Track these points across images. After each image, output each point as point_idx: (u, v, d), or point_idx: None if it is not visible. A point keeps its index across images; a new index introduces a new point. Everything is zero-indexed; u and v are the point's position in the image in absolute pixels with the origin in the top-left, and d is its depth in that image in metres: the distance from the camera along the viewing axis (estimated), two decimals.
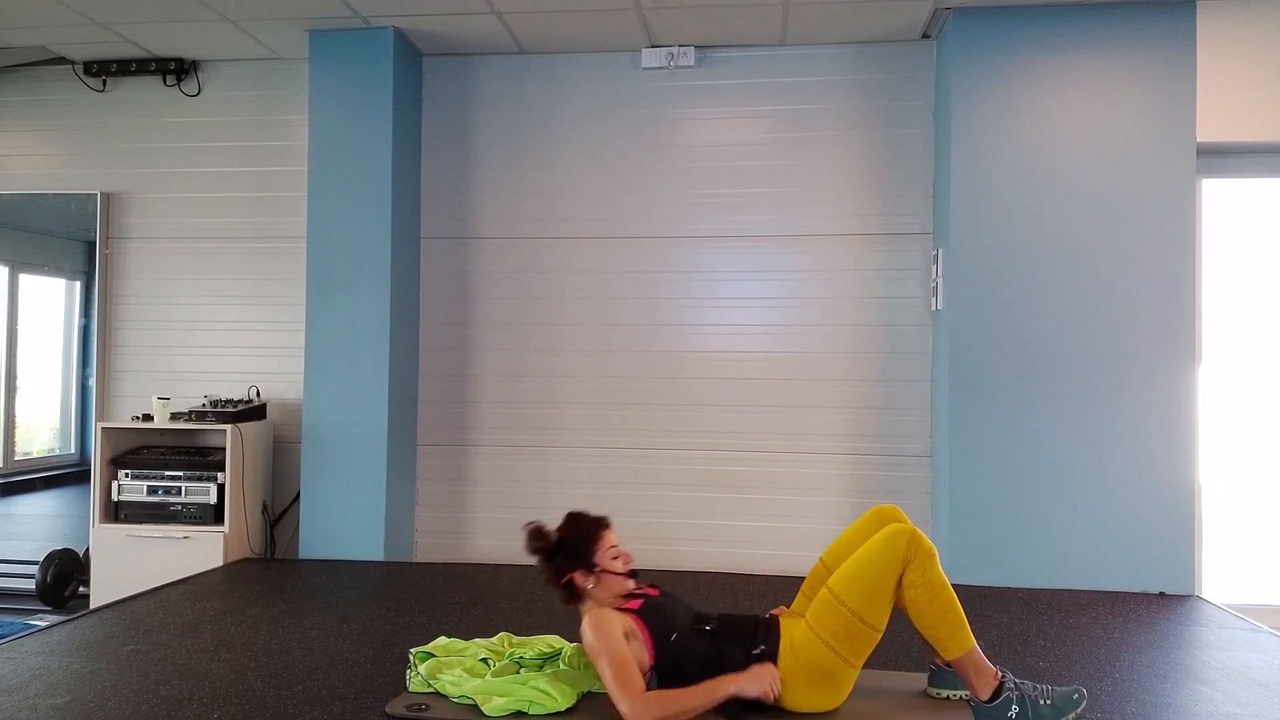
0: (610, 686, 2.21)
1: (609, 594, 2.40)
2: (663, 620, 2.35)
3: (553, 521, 2.47)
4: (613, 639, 2.25)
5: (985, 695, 2.23)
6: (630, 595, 2.42)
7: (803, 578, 2.59)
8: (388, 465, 4.19)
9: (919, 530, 2.28)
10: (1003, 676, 2.25)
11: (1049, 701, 2.21)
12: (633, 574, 2.44)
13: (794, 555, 4.17)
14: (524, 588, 3.68)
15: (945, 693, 2.42)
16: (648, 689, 2.23)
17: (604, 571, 2.39)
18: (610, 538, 2.44)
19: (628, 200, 4.42)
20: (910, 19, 4.01)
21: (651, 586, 2.51)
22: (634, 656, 2.26)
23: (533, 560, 2.43)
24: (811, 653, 2.26)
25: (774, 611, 2.53)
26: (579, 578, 2.38)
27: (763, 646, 2.29)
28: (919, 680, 2.52)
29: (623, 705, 2.17)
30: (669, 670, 2.30)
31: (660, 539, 4.32)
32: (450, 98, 4.53)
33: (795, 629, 2.31)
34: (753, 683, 2.22)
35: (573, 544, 2.40)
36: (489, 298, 4.50)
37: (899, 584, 2.23)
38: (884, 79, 4.27)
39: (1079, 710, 2.21)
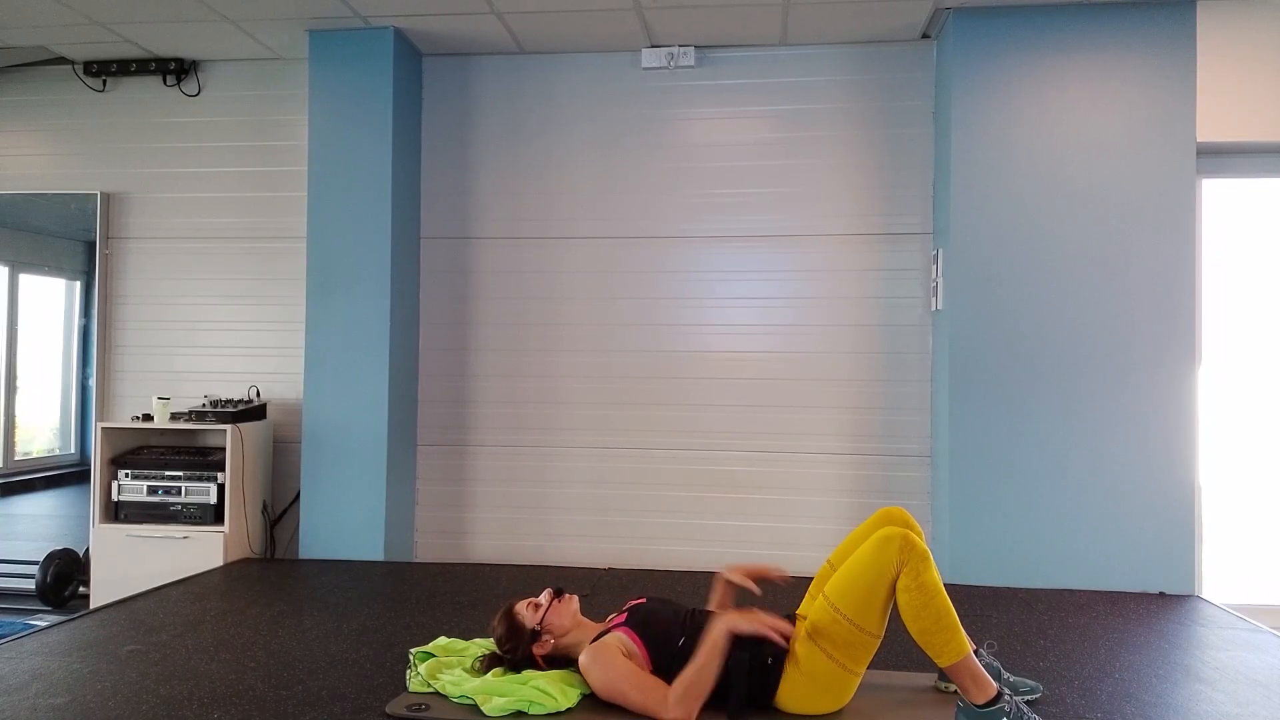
0: (642, 708, 2.23)
1: (567, 623, 2.44)
2: (653, 626, 2.36)
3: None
4: (616, 664, 2.28)
5: (979, 701, 2.16)
6: (620, 610, 2.45)
7: (802, 578, 2.59)
8: (388, 465, 4.19)
9: (911, 534, 2.24)
10: (1003, 693, 2.16)
11: None
12: (558, 592, 2.49)
13: (794, 555, 4.18)
14: (524, 588, 3.66)
15: (953, 687, 2.41)
16: None
17: (545, 624, 2.43)
18: (521, 606, 2.49)
19: (628, 200, 4.42)
20: (910, 19, 4.01)
21: (638, 597, 2.53)
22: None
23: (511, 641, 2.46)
24: (812, 661, 2.26)
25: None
26: (539, 648, 2.43)
27: (771, 658, 2.28)
28: (924, 680, 2.53)
29: (663, 714, 2.20)
30: (668, 674, 2.29)
31: (660, 539, 4.33)
32: (450, 98, 4.53)
33: (797, 635, 2.31)
34: (743, 621, 2.24)
35: (510, 638, 2.45)
36: (489, 298, 4.50)
37: (894, 588, 2.21)
38: (884, 79, 4.27)
39: None
